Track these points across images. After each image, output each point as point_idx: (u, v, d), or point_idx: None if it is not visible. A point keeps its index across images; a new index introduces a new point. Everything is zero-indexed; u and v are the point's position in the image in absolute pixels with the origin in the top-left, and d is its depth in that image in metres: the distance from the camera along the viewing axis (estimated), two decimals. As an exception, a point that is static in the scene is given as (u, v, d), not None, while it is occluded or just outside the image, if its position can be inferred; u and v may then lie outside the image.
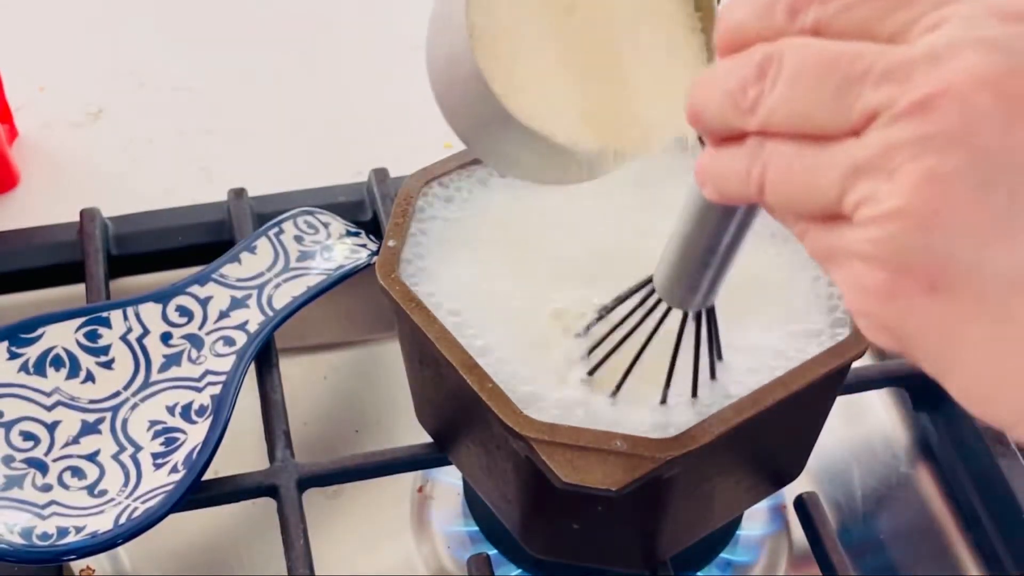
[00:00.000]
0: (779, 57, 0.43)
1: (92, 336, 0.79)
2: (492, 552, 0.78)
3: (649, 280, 0.61)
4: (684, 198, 0.55)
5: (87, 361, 0.78)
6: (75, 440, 0.75)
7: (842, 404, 0.75)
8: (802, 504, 0.75)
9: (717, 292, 0.59)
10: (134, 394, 0.78)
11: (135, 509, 0.71)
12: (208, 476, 0.73)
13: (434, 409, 0.72)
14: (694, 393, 0.63)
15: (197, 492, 0.73)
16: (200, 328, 0.80)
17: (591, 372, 0.64)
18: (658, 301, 0.61)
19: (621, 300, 0.64)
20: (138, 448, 0.75)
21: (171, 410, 0.77)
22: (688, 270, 0.57)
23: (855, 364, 0.66)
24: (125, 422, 0.76)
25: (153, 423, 0.77)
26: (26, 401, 0.76)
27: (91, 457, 0.75)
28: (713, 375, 0.65)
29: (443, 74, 0.57)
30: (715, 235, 0.54)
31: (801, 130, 0.42)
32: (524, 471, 0.63)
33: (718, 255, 0.55)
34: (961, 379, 0.42)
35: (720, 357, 0.65)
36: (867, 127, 0.41)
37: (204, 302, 0.81)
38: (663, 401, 0.63)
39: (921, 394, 0.83)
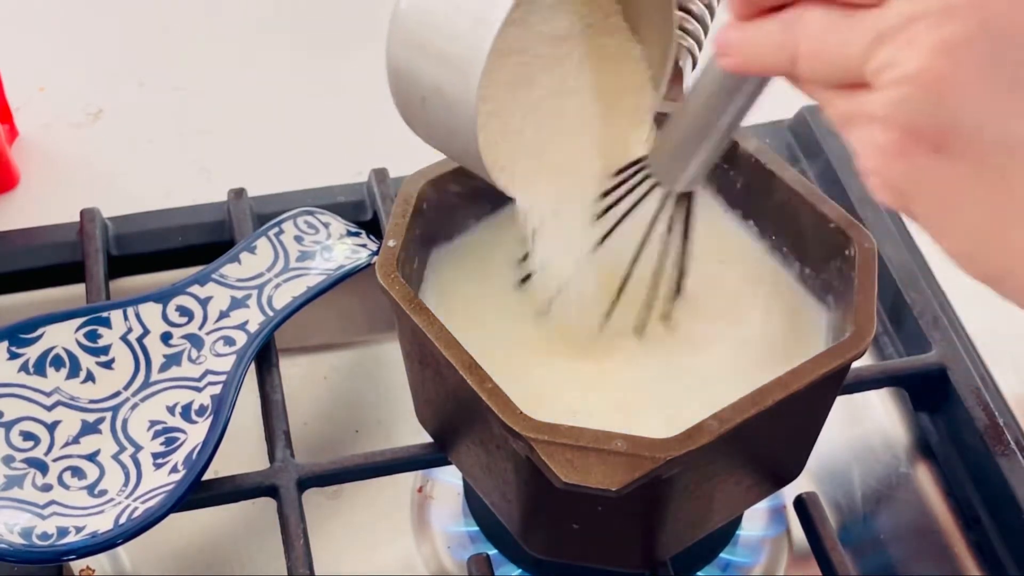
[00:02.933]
0: None
1: (92, 336, 0.79)
2: (492, 552, 0.78)
3: (639, 161, 0.66)
4: (698, 79, 0.59)
5: (87, 361, 0.78)
6: (75, 440, 0.75)
7: (842, 404, 0.74)
8: (802, 504, 0.75)
9: (704, 174, 0.64)
10: (134, 394, 0.78)
11: (135, 509, 0.71)
12: (208, 476, 0.73)
13: (434, 409, 0.72)
14: (679, 291, 0.69)
15: (197, 492, 0.73)
16: (200, 328, 0.80)
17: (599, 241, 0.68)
18: (646, 189, 0.65)
19: (615, 186, 0.67)
20: (138, 448, 0.75)
21: (171, 410, 0.77)
22: (687, 143, 0.62)
23: (855, 364, 0.66)
24: (125, 422, 0.76)
25: (153, 423, 0.77)
26: (26, 401, 0.75)
27: (91, 457, 0.75)
28: (679, 290, 0.70)
29: (437, 132, 0.63)
30: (721, 112, 0.59)
31: None
32: (524, 471, 0.63)
33: (719, 130, 0.60)
34: (954, 237, 0.47)
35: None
36: None
37: (204, 302, 0.81)
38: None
39: (921, 394, 0.82)
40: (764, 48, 0.50)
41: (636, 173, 0.66)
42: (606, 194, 0.67)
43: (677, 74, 0.75)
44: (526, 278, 0.71)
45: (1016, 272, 0.46)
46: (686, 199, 0.66)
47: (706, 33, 0.78)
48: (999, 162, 0.44)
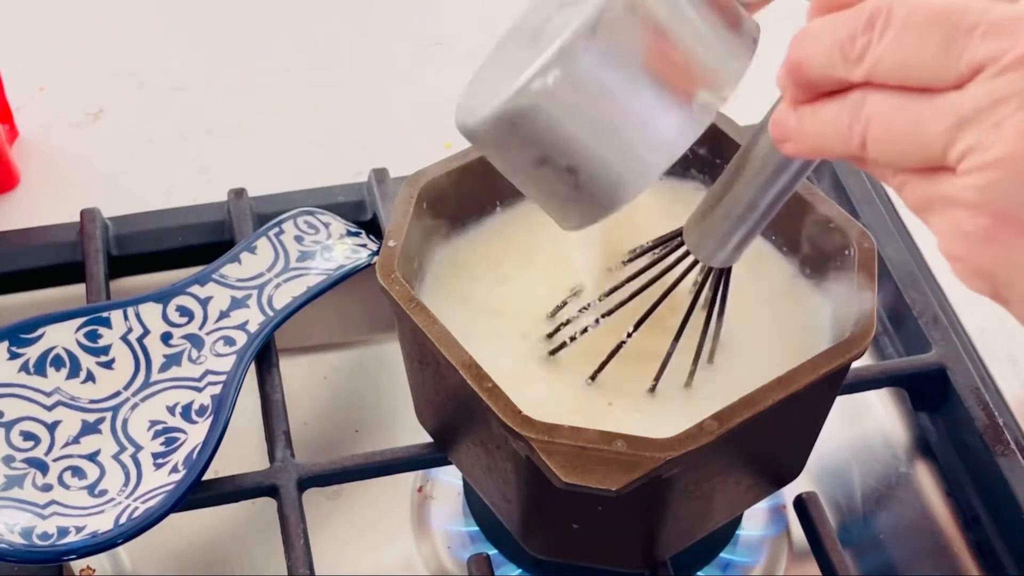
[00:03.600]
0: (888, 8, 0.45)
1: (92, 336, 0.79)
2: (492, 552, 0.77)
3: (676, 234, 0.63)
4: (740, 153, 0.58)
5: (87, 361, 0.78)
6: (75, 440, 0.75)
7: (842, 404, 0.74)
8: (802, 504, 0.75)
9: (744, 250, 0.61)
10: (134, 394, 0.78)
11: (135, 509, 0.71)
12: (208, 476, 0.73)
13: (434, 409, 0.72)
14: (696, 358, 0.66)
15: (197, 492, 0.73)
16: (200, 328, 0.80)
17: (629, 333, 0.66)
18: (678, 258, 0.64)
19: (646, 250, 0.66)
20: (138, 448, 0.75)
21: (171, 410, 0.77)
22: (728, 220, 0.60)
23: (855, 364, 0.66)
24: (125, 422, 0.76)
25: (153, 423, 0.76)
26: (26, 401, 0.75)
27: (91, 457, 0.75)
28: (711, 358, 0.67)
29: (539, 189, 0.58)
30: (766, 190, 0.57)
31: (907, 81, 0.44)
32: (524, 471, 0.63)
33: (761, 210, 0.58)
34: None
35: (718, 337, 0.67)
36: (973, 79, 0.43)
37: (204, 302, 0.81)
38: (652, 389, 0.65)
39: (921, 394, 0.82)
40: (829, 134, 0.48)
41: (670, 242, 0.65)
42: (636, 257, 0.67)
43: None
44: (554, 332, 0.69)
45: None
46: (721, 272, 0.65)
47: None
48: None
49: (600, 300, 0.67)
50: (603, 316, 0.66)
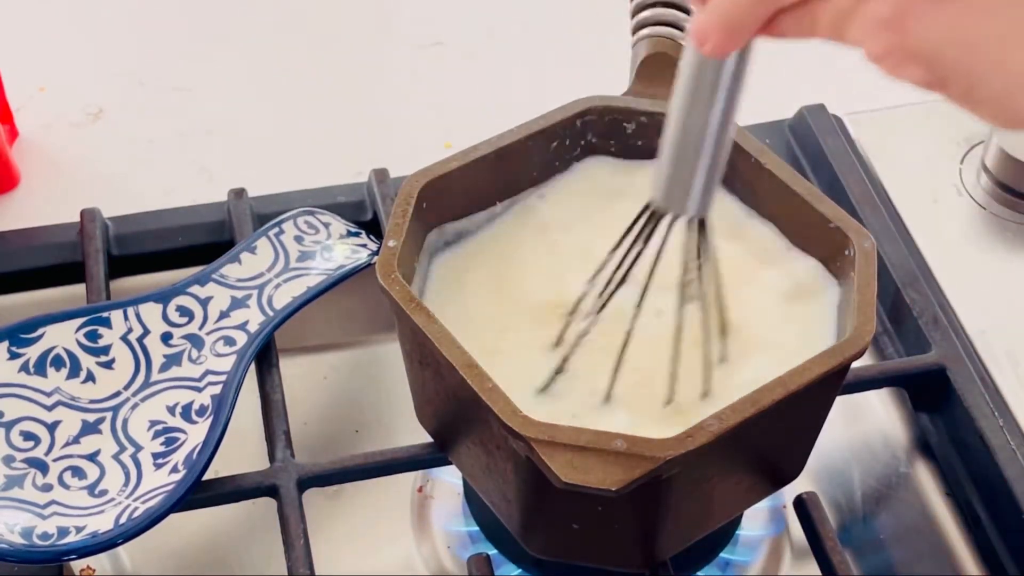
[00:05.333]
0: None
1: (92, 336, 0.78)
2: (492, 552, 0.77)
3: (644, 209, 0.63)
4: (676, 85, 0.58)
5: (87, 361, 0.78)
6: (75, 440, 0.75)
7: (842, 404, 0.74)
8: (802, 504, 0.75)
9: (713, 194, 0.61)
10: (134, 394, 0.78)
11: (135, 509, 0.71)
12: (208, 476, 0.73)
13: (434, 409, 0.72)
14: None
15: (197, 492, 0.72)
16: (200, 328, 0.80)
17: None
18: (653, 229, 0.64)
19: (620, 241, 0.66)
20: (138, 448, 0.75)
21: (171, 410, 0.77)
22: (684, 160, 0.59)
23: (855, 364, 0.66)
24: (125, 422, 0.76)
25: (153, 423, 0.76)
26: (26, 401, 0.75)
27: (91, 457, 0.75)
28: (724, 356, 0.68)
29: None
30: (708, 108, 0.58)
31: None
32: (524, 471, 0.63)
33: (712, 136, 0.58)
34: (985, 88, 0.46)
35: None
36: None
37: (204, 302, 0.81)
38: (669, 401, 0.65)
39: (921, 394, 0.82)
40: (740, 9, 0.50)
41: (642, 218, 0.64)
42: (614, 250, 0.66)
43: (675, 73, 0.75)
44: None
45: None
46: (701, 228, 0.64)
47: None
48: None
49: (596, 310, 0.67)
50: (597, 313, 0.66)
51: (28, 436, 0.74)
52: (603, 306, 0.66)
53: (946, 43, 0.46)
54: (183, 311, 0.80)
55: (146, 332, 0.79)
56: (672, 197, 0.61)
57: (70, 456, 0.75)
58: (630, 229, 0.65)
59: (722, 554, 0.80)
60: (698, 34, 0.53)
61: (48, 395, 0.76)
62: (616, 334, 0.66)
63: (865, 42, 0.47)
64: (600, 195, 0.75)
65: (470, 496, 0.81)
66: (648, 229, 0.64)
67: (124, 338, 0.79)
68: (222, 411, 0.75)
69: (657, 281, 0.65)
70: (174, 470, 0.73)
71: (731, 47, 0.53)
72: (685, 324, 0.65)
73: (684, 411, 0.65)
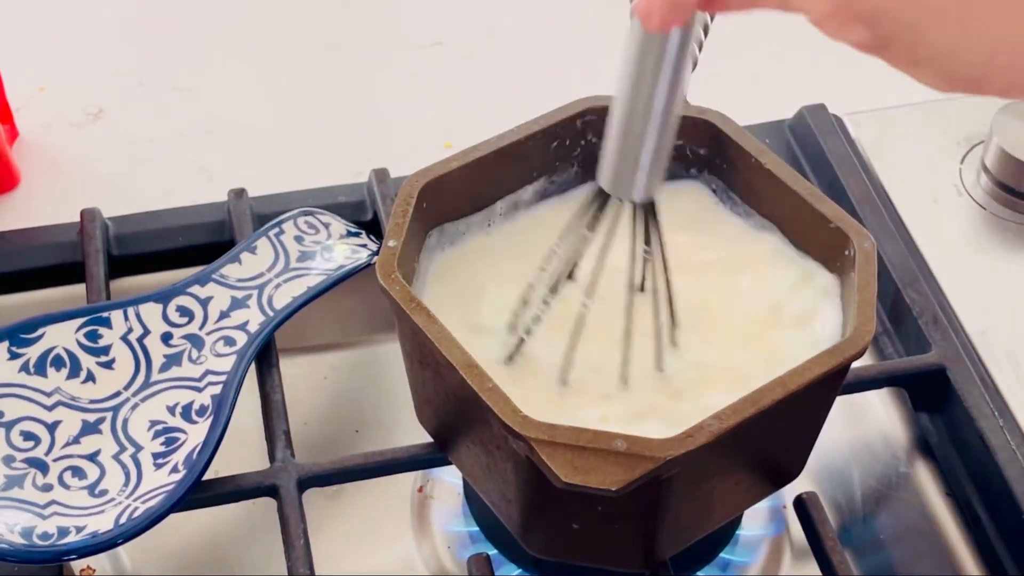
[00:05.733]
0: None
1: (92, 336, 0.78)
2: (492, 552, 0.77)
3: (598, 191, 0.64)
4: (619, 66, 0.59)
5: (87, 361, 0.78)
6: (75, 440, 0.75)
7: (842, 404, 0.74)
8: (802, 504, 0.75)
9: (660, 178, 0.62)
10: (135, 394, 0.78)
11: (135, 509, 0.71)
12: (208, 476, 0.73)
13: (434, 409, 0.72)
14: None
15: (197, 492, 0.72)
16: (200, 328, 0.80)
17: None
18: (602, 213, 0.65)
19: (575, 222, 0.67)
20: (139, 448, 0.75)
21: (171, 410, 0.77)
22: (630, 142, 0.60)
23: (854, 364, 0.66)
24: (126, 422, 0.76)
25: (153, 423, 0.76)
26: (27, 401, 0.75)
27: (92, 457, 0.75)
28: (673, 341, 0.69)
29: None
30: (652, 88, 0.58)
31: None
32: (524, 471, 0.63)
33: (656, 115, 0.59)
34: (927, 45, 0.46)
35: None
36: None
37: (204, 302, 0.81)
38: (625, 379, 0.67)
39: (921, 394, 0.82)
40: None
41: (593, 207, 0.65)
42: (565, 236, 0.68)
43: None
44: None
45: (999, 61, 0.46)
46: (650, 214, 0.65)
47: (706, 34, 0.77)
48: None
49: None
50: (550, 294, 0.67)
51: (28, 436, 0.74)
52: (554, 289, 0.68)
53: (892, 5, 0.46)
54: (183, 311, 0.80)
55: (146, 332, 0.79)
56: (619, 182, 0.62)
57: (70, 456, 0.75)
58: (584, 215, 0.66)
59: (722, 554, 0.80)
60: (641, 9, 0.53)
61: (48, 395, 0.76)
62: (570, 320, 0.67)
63: (808, 5, 0.48)
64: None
65: (470, 496, 0.81)
66: (601, 215, 0.65)
67: (124, 338, 0.79)
68: (222, 411, 0.75)
69: (616, 267, 0.67)
70: (174, 470, 0.73)
71: (676, 21, 0.54)
72: (636, 312, 0.67)
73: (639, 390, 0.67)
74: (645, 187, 0.62)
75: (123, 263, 0.89)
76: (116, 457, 0.75)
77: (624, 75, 0.58)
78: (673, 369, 0.68)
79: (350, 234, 0.87)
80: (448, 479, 0.84)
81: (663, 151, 0.61)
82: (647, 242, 0.66)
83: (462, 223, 0.74)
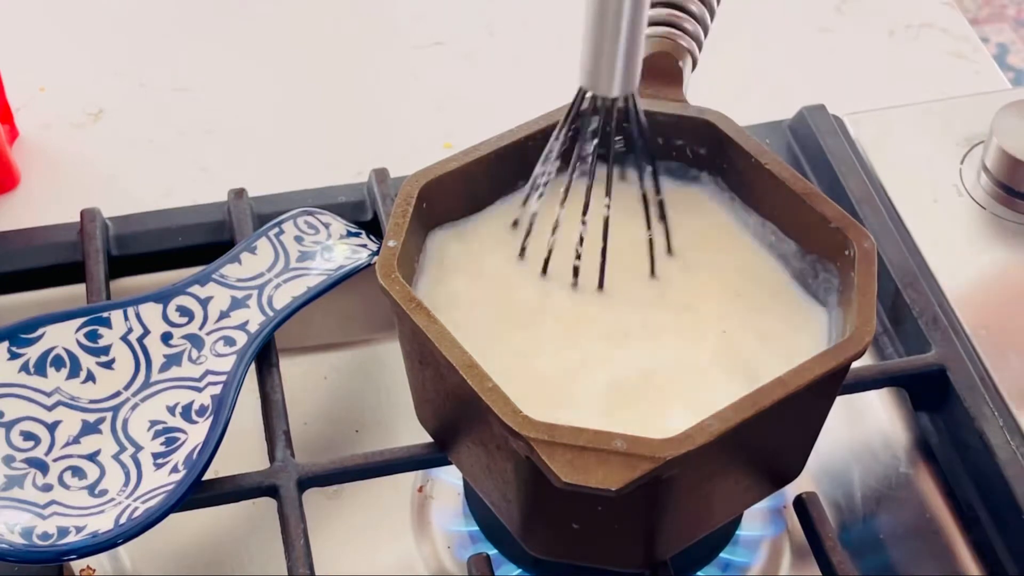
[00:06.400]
0: None
1: (92, 336, 0.78)
2: (492, 552, 0.77)
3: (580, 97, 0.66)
4: None
5: (87, 361, 0.78)
6: (75, 440, 0.75)
7: (842, 404, 0.74)
8: (802, 504, 0.75)
9: (636, 72, 0.64)
10: (134, 394, 0.77)
11: (135, 509, 0.71)
12: (208, 476, 0.73)
13: (434, 409, 0.72)
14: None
15: (197, 492, 0.72)
16: (200, 328, 0.80)
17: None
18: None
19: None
20: (139, 448, 0.75)
21: (171, 410, 0.77)
22: (603, 35, 0.62)
23: (855, 364, 0.66)
24: (126, 422, 0.76)
25: (153, 423, 0.76)
26: (26, 401, 0.75)
27: (92, 457, 0.75)
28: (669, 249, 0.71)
29: None
30: None
31: None
32: (524, 471, 0.63)
33: (628, 5, 0.61)
34: None
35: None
36: None
37: (204, 302, 0.81)
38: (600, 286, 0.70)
39: (921, 394, 0.82)
40: None
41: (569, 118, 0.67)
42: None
43: (676, 74, 0.75)
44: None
45: None
46: (632, 111, 0.67)
47: (706, 34, 0.77)
48: None
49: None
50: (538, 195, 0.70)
51: (28, 436, 0.74)
52: (540, 193, 0.70)
53: None
54: (183, 311, 0.80)
55: (146, 332, 0.79)
56: (600, 77, 0.64)
57: (70, 456, 0.74)
58: (567, 118, 0.67)
59: (722, 554, 0.80)
60: None
61: (48, 395, 0.76)
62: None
63: None
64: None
65: (470, 496, 0.81)
66: (585, 120, 0.67)
67: (124, 338, 0.79)
68: (222, 411, 0.75)
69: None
70: (174, 470, 0.73)
71: None
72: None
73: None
74: (624, 81, 0.64)
75: (123, 263, 0.89)
76: (116, 457, 0.75)
77: None
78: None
79: (350, 234, 0.87)
80: (448, 479, 0.84)
81: (636, 42, 0.63)
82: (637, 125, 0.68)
83: (462, 222, 0.74)
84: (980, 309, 0.84)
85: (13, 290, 0.89)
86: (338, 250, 0.85)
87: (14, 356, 0.76)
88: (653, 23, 0.76)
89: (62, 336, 0.78)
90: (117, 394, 0.77)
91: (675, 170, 0.76)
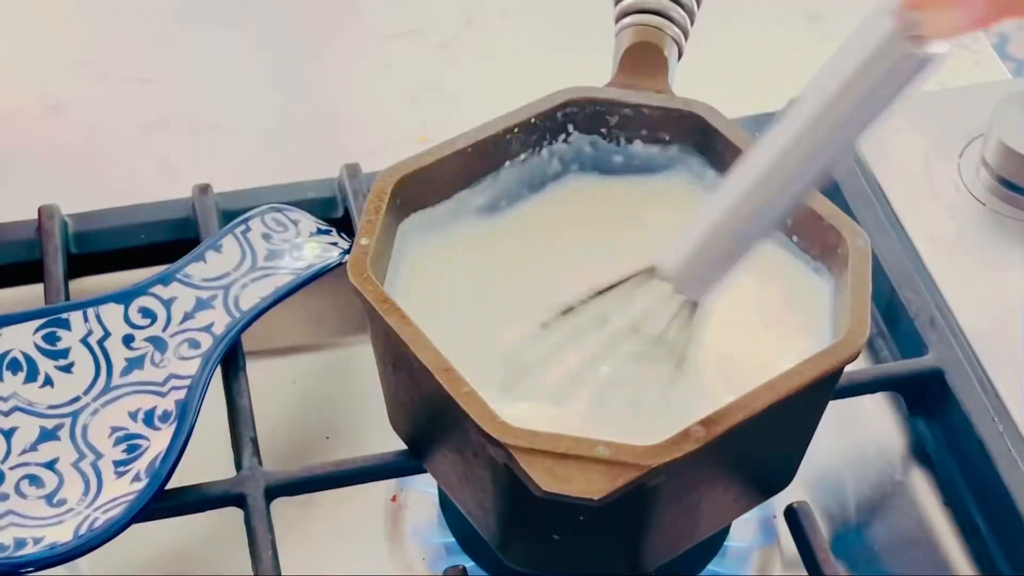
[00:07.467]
0: None
1: (51, 339, 0.78)
2: (469, 564, 0.77)
3: (648, 270, 0.61)
4: (738, 167, 0.57)
5: (45, 365, 0.77)
6: (33, 447, 0.74)
7: (835, 409, 0.73)
8: (793, 514, 0.74)
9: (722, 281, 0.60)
10: (95, 399, 0.77)
11: (95, 519, 0.70)
12: (172, 485, 0.73)
13: (408, 415, 0.71)
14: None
15: (160, 502, 0.72)
16: (164, 330, 0.79)
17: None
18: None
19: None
20: (99, 455, 0.74)
21: (133, 416, 0.76)
22: (720, 249, 0.58)
23: (848, 368, 0.65)
24: (85, 428, 0.76)
25: (114, 429, 0.76)
26: (-19, 407, 0.75)
27: (50, 465, 0.74)
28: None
29: None
30: (772, 204, 0.56)
31: None
32: (502, 479, 0.62)
33: (762, 230, 0.57)
34: None
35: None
36: None
37: (168, 303, 0.80)
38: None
39: (917, 398, 0.82)
40: None
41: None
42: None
43: (662, 65, 0.75)
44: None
45: None
46: (693, 305, 0.62)
47: (693, 23, 0.77)
48: None
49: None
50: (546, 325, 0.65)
51: (-17, 444, 0.74)
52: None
53: None
54: (145, 312, 0.80)
55: (107, 334, 0.79)
56: (687, 280, 0.60)
57: (27, 464, 0.74)
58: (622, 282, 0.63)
59: (709, 566, 0.79)
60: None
61: (4, 400, 0.75)
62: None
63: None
64: (583, 215, 0.76)
65: (446, 506, 0.80)
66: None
67: (84, 340, 0.78)
68: (186, 417, 0.74)
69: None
70: (136, 478, 0.72)
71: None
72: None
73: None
74: (704, 288, 0.61)
75: (83, 262, 0.88)
76: (75, 465, 0.74)
77: (737, 186, 0.58)
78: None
79: (320, 232, 0.87)
80: (423, 488, 0.83)
81: (745, 259, 0.59)
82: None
83: (437, 220, 0.73)
84: (979, 310, 0.83)
85: (-32, 291, 0.89)
86: (308, 248, 0.85)
87: (-32, 360, 0.76)
88: (637, 11, 0.76)
89: (19, 338, 0.77)
90: (76, 399, 0.77)
91: (658, 162, 0.76)
